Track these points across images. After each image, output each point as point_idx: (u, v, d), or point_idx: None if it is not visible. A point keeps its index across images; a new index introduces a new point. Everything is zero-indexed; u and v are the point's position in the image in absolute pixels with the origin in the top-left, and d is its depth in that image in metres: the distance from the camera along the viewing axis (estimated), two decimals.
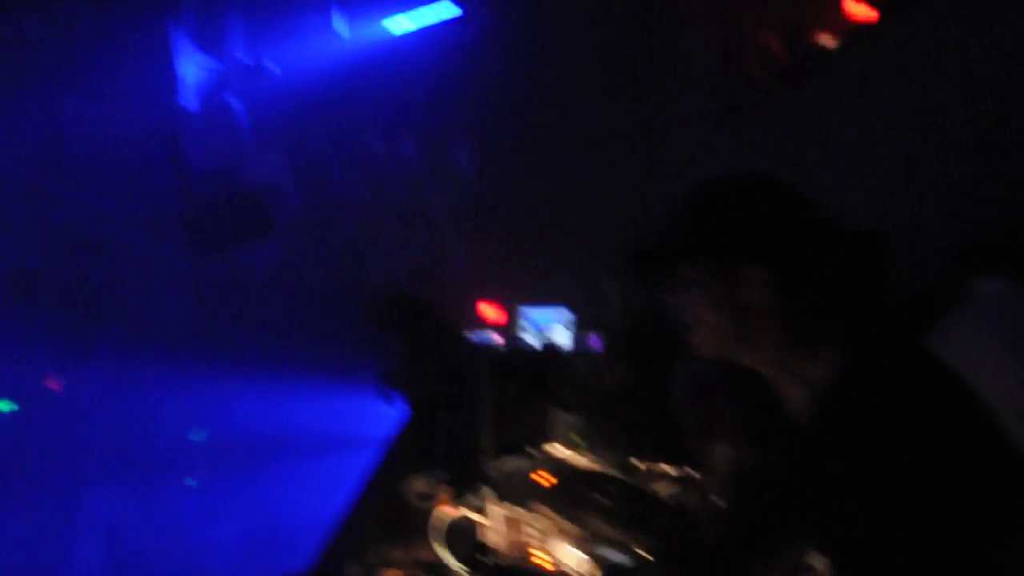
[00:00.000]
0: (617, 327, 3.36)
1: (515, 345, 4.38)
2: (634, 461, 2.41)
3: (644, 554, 1.49)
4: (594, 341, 4.03)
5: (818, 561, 1.97)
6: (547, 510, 1.80)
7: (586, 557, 1.46)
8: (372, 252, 6.23)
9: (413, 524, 1.91)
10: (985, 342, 2.30)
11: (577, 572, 1.37)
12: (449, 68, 6.22)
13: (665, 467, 2.40)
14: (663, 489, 2.20)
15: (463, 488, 2.30)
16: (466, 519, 1.76)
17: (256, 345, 5.94)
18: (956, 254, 2.32)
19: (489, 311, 5.62)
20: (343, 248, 6.20)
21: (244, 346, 5.92)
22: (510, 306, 5.48)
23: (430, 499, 2.50)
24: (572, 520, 1.75)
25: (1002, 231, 2.35)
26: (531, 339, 4.87)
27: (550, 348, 3.18)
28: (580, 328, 4.61)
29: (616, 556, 1.45)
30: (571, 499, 1.93)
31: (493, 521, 1.61)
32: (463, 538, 1.76)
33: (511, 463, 2.17)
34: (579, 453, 2.28)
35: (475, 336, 4.44)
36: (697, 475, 2.36)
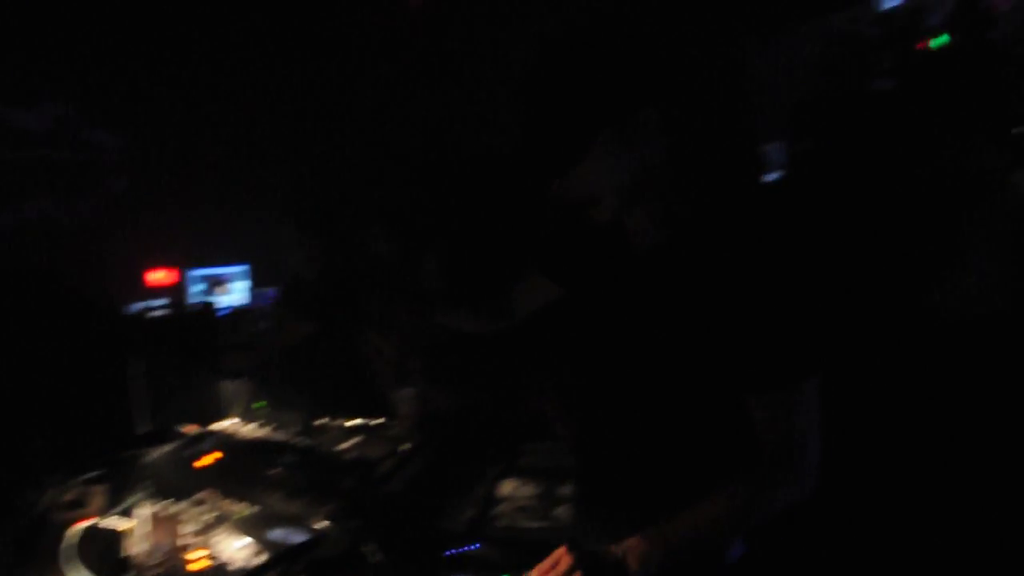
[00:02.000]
0: (300, 279, 3.17)
1: (180, 310, 3.95)
2: (318, 422, 2.29)
3: (321, 525, 1.37)
4: (271, 297, 3.77)
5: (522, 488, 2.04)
6: (214, 497, 1.60)
7: (251, 542, 1.30)
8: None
9: (57, 544, 1.57)
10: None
11: (241, 562, 1.21)
12: None
13: (351, 421, 2.31)
14: (348, 445, 2.11)
15: (119, 489, 1.98)
16: (105, 529, 1.48)
17: None
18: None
19: (158, 276, 5.04)
20: None
21: None
22: (181, 269, 4.96)
23: (80, 508, 2.12)
24: (245, 501, 1.57)
25: None
26: (202, 301, 4.46)
27: (208, 309, 2.88)
28: (258, 285, 4.30)
29: (289, 535, 1.31)
30: (240, 478, 1.74)
31: (140, 524, 1.37)
32: (105, 551, 1.48)
33: (169, 449, 1.90)
34: (253, 424, 2.08)
35: (136, 305, 3.91)
36: (385, 424, 2.32)
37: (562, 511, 1.81)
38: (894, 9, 4.06)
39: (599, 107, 1.07)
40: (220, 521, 1.43)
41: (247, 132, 5.27)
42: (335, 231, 3.16)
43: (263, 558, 1.22)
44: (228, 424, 2.06)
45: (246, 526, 1.38)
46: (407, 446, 2.11)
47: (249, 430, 2.00)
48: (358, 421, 2.29)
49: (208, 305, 3.36)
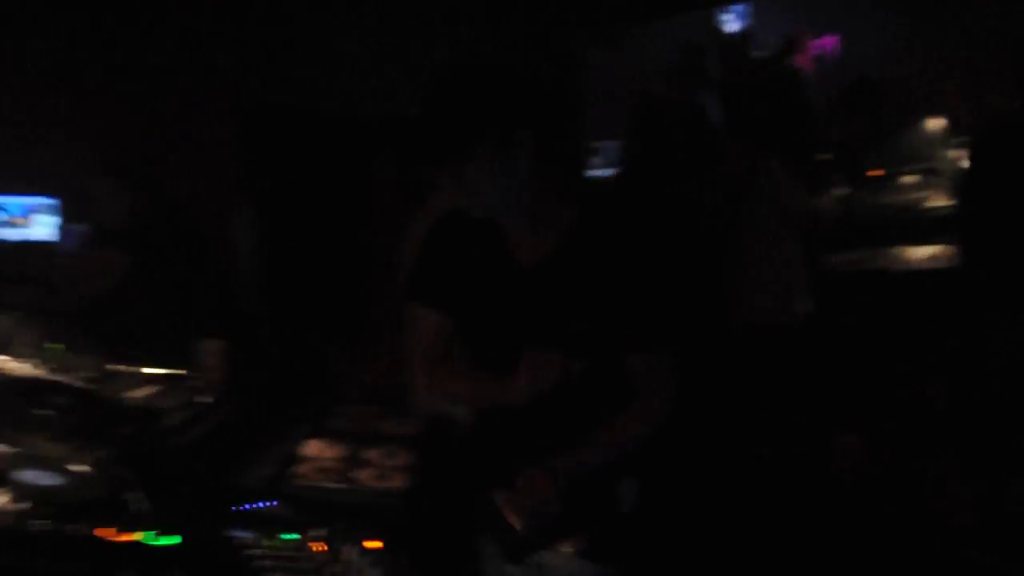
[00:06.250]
0: (114, 225, 2.95)
1: None
2: (110, 367, 2.14)
3: (79, 469, 1.27)
4: (75, 236, 3.49)
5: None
6: None
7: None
8: None
9: None
10: None
11: None
12: None
13: (149, 370, 2.18)
14: (141, 393, 1.98)
15: None
16: None
17: None
18: None
19: None
20: None
21: None
22: None
23: None
24: (7, 443, 1.43)
25: None
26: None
27: None
28: (67, 220, 3.96)
29: (39, 477, 1.20)
30: (4, 417, 1.59)
31: None
32: None
33: None
34: (29, 363, 1.90)
35: None
36: (185, 374, 2.20)
37: (364, 475, 1.80)
38: (733, 33, 4.44)
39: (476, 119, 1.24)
40: None
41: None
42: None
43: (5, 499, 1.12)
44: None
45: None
46: (207, 399, 2.01)
47: (19, 367, 1.82)
48: (159, 370, 2.16)
49: None
